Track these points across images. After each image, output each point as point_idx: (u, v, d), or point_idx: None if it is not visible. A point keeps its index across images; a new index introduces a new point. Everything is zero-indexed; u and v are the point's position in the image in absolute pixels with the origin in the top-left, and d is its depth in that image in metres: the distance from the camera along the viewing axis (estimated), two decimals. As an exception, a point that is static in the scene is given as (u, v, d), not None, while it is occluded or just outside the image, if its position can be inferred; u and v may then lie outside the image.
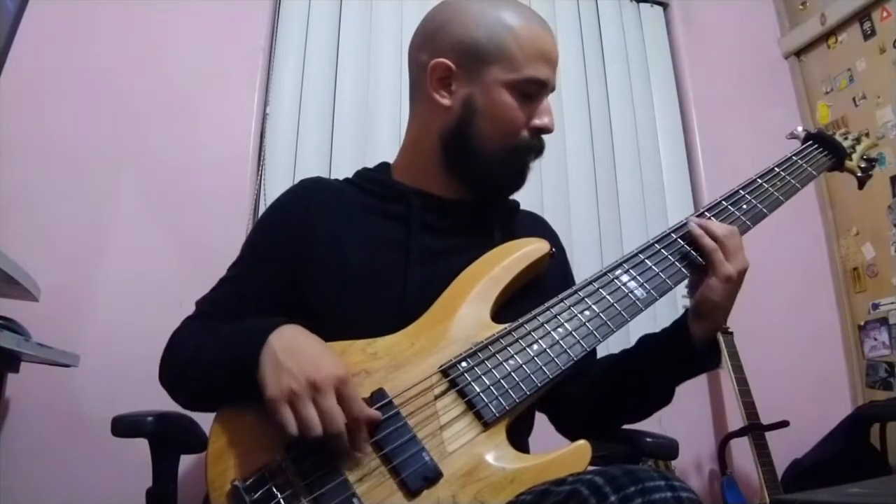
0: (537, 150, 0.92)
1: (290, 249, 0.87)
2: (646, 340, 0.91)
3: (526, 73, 0.86)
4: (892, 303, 2.04)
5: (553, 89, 0.91)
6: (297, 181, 0.97)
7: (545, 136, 0.91)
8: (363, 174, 0.98)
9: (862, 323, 2.13)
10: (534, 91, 0.88)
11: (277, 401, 0.66)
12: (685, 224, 0.89)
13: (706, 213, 0.90)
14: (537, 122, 0.88)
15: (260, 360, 0.69)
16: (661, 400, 0.90)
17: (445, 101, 0.89)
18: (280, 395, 0.66)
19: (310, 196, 0.92)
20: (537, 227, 1.03)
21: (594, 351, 0.84)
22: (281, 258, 0.87)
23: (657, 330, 0.90)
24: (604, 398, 0.90)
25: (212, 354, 0.76)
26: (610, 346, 0.95)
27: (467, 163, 0.90)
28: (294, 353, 0.68)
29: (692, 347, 0.84)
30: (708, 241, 0.84)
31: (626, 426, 0.96)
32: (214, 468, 0.67)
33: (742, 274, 0.83)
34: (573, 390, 0.90)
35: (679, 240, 0.87)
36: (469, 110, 0.88)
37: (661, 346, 0.88)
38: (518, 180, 0.93)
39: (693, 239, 0.85)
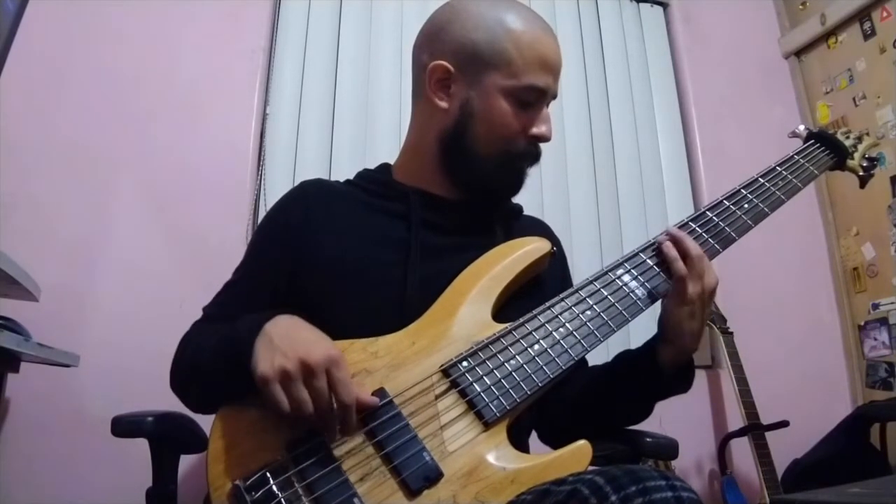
0: (533, 157, 0.91)
1: (291, 251, 0.87)
2: (620, 360, 0.91)
3: (525, 80, 0.85)
4: (892, 303, 2.04)
5: (554, 97, 0.90)
6: (297, 181, 0.98)
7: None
8: (364, 175, 0.98)
9: (862, 323, 2.13)
10: (532, 99, 0.87)
11: (269, 380, 0.65)
12: (686, 224, 0.89)
13: (691, 223, 0.89)
14: (534, 130, 0.88)
15: (255, 345, 0.69)
16: (636, 417, 0.91)
17: (443, 104, 0.89)
18: (272, 374, 0.66)
19: (310, 197, 0.92)
20: (539, 231, 1.02)
21: (583, 359, 0.84)
22: (282, 260, 0.88)
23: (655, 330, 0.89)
24: (583, 412, 0.91)
25: (211, 347, 0.77)
26: (610, 345, 0.95)
27: (463, 166, 0.90)
28: (288, 338, 0.69)
29: (661, 372, 0.84)
30: (679, 265, 0.82)
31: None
32: (215, 467, 0.67)
33: (704, 297, 0.81)
34: (554, 401, 0.88)
35: None
36: (466, 114, 0.87)
37: (631, 369, 0.87)
38: (513, 185, 0.93)
39: (665, 260, 0.84)
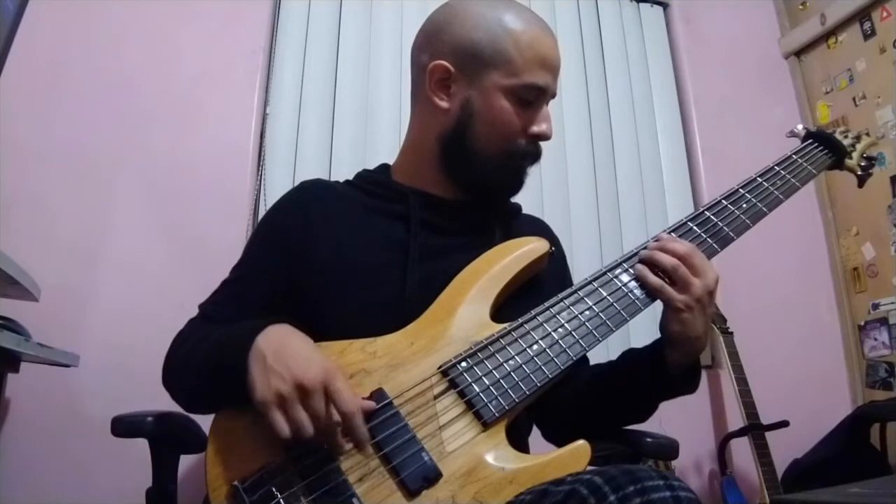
0: (534, 156, 0.91)
1: (289, 251, 0.87)
2: (627, 358, 0.90)
3: (525, 78, 0.85)
4: (892, 303, 2.04)
5: (553, 96, 0.91)
6: (297, 181, 0.98)
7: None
8: (363, 175, 0.98)
9: (862, 323, 2.13)
10: (532, 97, 0.87)
11: (267, 404, 0.65)
12: (685, 224, 0.89)
13: (689, 222, 0.89)
14: (535, 128, 0.88)
15: (248, 363, 0.68)
16: (641, 415, 0.90)
17: (444, 104, 0.89)
18: (270, 398, 0.65)
19: (308, 198, 0.92)
20: (538, 229, 1.02)
21: (585, 356, 0.83)
22: (280, 260, 0.88)
23: (657, 329, 0.88)
24: (587, 410, 0.91)
25: (202, 361, 0.76)
26: (610, 345, 0.95)
27: (464, 166, 0.90)
28: (281, 355, 0.68)
29: (667, 372, 0.83)
30: (653, 280, 0.81)
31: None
32: (214, 468, 0.67)
33: (703, 298, 0.79)
34: (559, 397, 0.87)
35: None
36: (466, 114, 0.87)
37: (638, 369, 0.86)
38: (514, 185, 0.93)
39: (638, 278, 0.83)
